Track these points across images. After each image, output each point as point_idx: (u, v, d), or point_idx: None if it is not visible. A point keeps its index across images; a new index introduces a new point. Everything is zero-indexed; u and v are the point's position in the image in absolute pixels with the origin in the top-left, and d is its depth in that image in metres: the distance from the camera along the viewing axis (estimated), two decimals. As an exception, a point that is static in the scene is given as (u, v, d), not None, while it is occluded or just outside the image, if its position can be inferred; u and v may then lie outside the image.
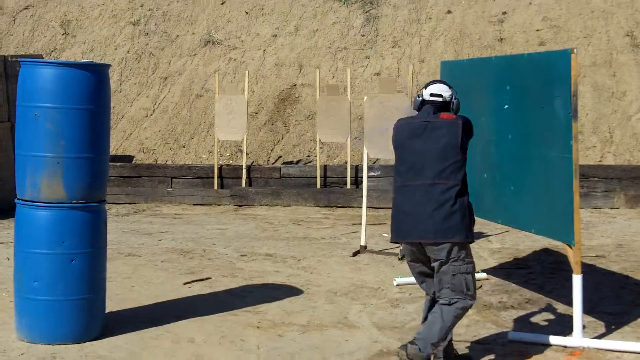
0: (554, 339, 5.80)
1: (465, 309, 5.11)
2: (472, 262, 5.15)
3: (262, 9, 16.18)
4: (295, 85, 14.65)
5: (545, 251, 8.98)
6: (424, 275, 5.26)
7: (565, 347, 5.73)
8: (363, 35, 15.20)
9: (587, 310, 6.58)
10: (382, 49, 14.93)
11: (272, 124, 14.09)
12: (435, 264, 5.07)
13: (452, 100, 5.31)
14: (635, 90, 13.21)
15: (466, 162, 5.14)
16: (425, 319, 5.27)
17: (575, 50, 5.52)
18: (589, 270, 8.02)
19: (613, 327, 6.25)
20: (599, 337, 5.97)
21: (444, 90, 5.32)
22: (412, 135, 5.21)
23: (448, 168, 5.03)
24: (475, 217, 5.24)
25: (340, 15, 15.67)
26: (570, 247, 5.77)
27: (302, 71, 14.80)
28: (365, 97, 9.61)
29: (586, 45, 14.00)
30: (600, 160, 12.46)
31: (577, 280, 5.72)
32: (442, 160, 5.06)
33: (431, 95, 5.31)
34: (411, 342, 5.08)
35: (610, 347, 5.66)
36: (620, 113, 13.04)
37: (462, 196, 5.05)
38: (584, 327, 5.86)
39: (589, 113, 13.08)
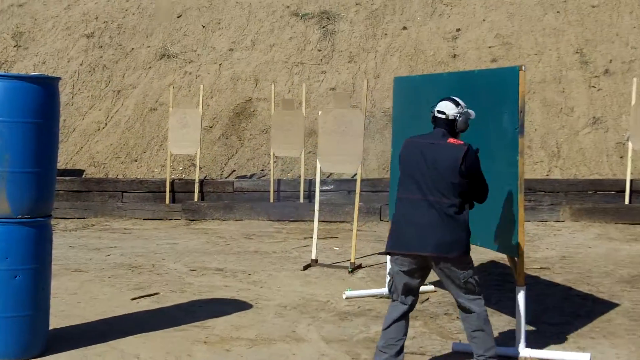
0: (497, 350, 5.89)
1: (484, 307, 5.40)
2: (473, 266, 5.43)
3: (219, 23, 16.23)
4: (250, 100, 14.72)
5: (492, 263, 9.12)
6: (409, 287, 5.37)
7: (509, 357, 5.83)
8: (319, 50, 15.31)
9: (531, 321, 6.72)
10: (338, 64, 15.05)
11: (227, 138, 14.12)
12: (441, 275, 5.31)
13: (457, 119, 5.42)
14: (582, 106, 13.47)
15: (467, 186, 5.28)
16: (388, 326, 5.41)
17: (523, 68, 5.64)
18: (533, 282, 8.18)
19: (555, 337, 6.37)
20: (542, 347, 6.08)
21: (448, 108, 5.44)
22: (417, 153, 5.38)
23: (449, 188, 5.20)
24: None
25: (297, 30, 15.78)
26: (515, 259, 5.88)
27: (258, 85, 14.87)
28: (320, 112, 9.69)
29: (537, 62, 14.24)
30: (547, 175, 12.68)
31: (520, 292, 5.83)
32: (443, 180, 5.23)
33: (438, 112, 5.47)
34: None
35: (552, 357, 5.79)
36: (568, 128, 13.28)
37: (461, 213, 5.23)
38: (527, 337, 5.97)
39: (538, 128, 13.31)
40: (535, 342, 6.23)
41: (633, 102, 11.77)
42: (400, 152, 5.55)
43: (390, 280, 5.50)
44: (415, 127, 7.11)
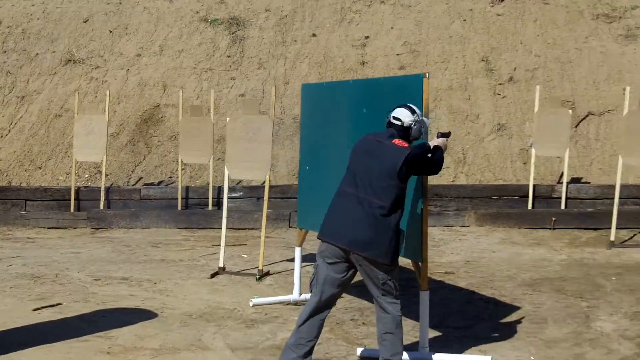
0: (405, 354, 5.95)
1: (400, 311, 5.47)
2: (397, 271, 5.50)
3: (127, 28, 16.01)
4: (158, 106, 14.55)
5: (399, 269, 9.19)
6: (329, 280, 5.38)
7: (409, 362, 5.90)
8: (229, 57, 15.24)
9: (435, 325, 6.82)
10: (248, 70, 15.01)
11: (134, 145, 13.92)
12: (362, 272, 5.35)
13: (412, 126, 5.46)
14: (487, 113, 13.74)
15: (404, 190, 5.39)
16: (302, 323, 5.46)
17: (427, 75, 5.73)
18: (437, 287, 8.30)
19: (458, 341, 6.47)
20: (445, 351, 6.16)
21: (404, 115, 5.51)
22: (365, 149, 5.48)
23: (382, 189, 5.27)
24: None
25: (206, 36, 15.67)
26: (418, 264, 5.95)
27: (167, 91, 14.71)
28: (228, 118, 9.64)
29: (443, 69, 14.47)
30: (453, 180, 12.88)
31: (424, 296, 5.91)
32: (379, 180, 5.31)
33: (393, 118, 5.53)
34: None
35: (453, 361, 5.88)
36: (474, 135, 13.53)
37: (388, 218, 5.24)
38: (431, 341, 6.05)
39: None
40: (439, 345, 6.32)
41: (536, 109, 12.07)
42: (353, 146, 5.63)
43: (313, 273, 5.53)
44: (323, 133, 7.16)
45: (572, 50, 14.35)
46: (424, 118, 5.61)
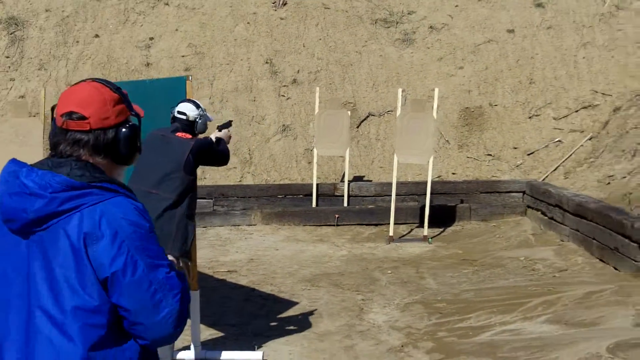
0: (178, 354, 5.96)
1: None
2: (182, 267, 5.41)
3: None
4: None
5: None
6: None
7: (184, 361, 5.91)
8: (7, 57, 14.61)
9: (212, 323, 6.89)
10: (28, 71, 14.44)
11: None
12: None
13: (197, 121, 5.42)
14: (273, 115, 13.96)
15: (193, 182, 5.37)
16: None
17: (190, 78, 5.80)
18: (218, 285, 8.37)
19: (234, 338, 6.55)
20: (220, 349, 6.21)
21: (189, 110, 5.53)
22: (149, 144, 5.32)
23: (167, 182, 5.22)
24: None
25: (-20, 35, 14.94)
26: (188, 264, 5.96)
27: (-63, 93, 13.91)
28: None
29: (229, 71, 14.55)
30: (240, 180, 12.99)
31: (194, 296, 5.92)
32: (162, 173, 5.29)
33: (178, 112, 5.52)
34: None
35: (226, 358, 5.93)
36: (260, 136, 13.70)
37: (174, 210, 5.16)
38: (207, 340, 6.09)
39: (231, 136, 13.58)
40: (214, 344, 6.37)
41: (316, 110, 12.40)
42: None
43: None
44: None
45: (352, 54, 14.84)
46: (208, 114, 5.69)
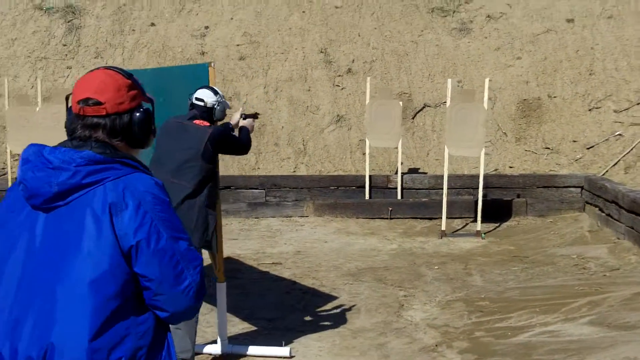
0: (205, 348, 5.90)
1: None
2: (202, 259, 5.25)
3: (-44, 15, 15.28)
4: (-11, 96, 13.97)
5: (226, 260, 9.12)
6: None
7: (211, 354, 5.83)
8: (65, 45, 14.78)
9: (247, 316, 6.81)
10: (84, 59, 14.59)
11: (-31, 137, 13.32)
12: None
13: (215, 107, 5.39)
14: (327, 105, 13.84)
15: (212, 171, 5.30)
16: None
17: (212, 64, 5.69)
18: (260, 278, 8.29)
19: (266, 332, 6.46)
20: (252, 343, 6.12)
21: (207, 96, 5.46)
22: (167, 132, 5.36)
23: (185, 170, 5.18)
24: None
25: (41, 24, 15.13)
26: (215, 255, 5.88)
27: (4, 80, 14.12)
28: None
29: (283, 60, 14.47)
30: (294, 171, 12.91)
31: (221, 288, 5.83)
32: (181, 161, 5.22)
33: (196, 99, 5.46)
34: None
35: (252, 353, 5.84)
36: (314, 126, 13.60)
37: (193, 199, 5.12)
38: (239, 334, 6.01)
39: (285, 126, 13.53)
40: (244, 338, 6.28)
41: (367, 101, 12.22)
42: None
43: None
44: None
45: (408, 43, 14.61)
46: (225, 100, 5.61)
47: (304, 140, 13.49)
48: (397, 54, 14.47)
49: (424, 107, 13.90)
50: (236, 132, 5.75)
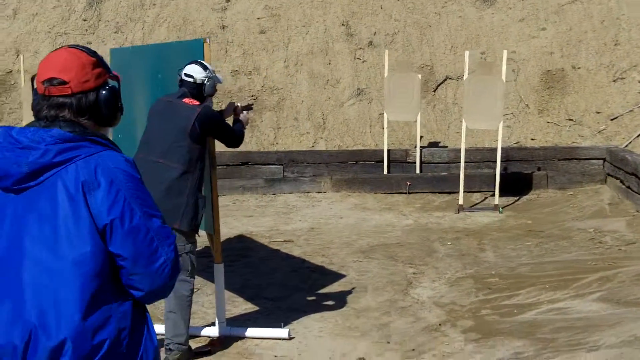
0: (202, 331, 5.87)
1: (191, 291, 5.30)
2: (194, 242, 5.28)
3: (-22, -7, 15.32)
4: (11, 72, 14.02)
5: (239, 238, 9.11)
6: None
7: (209, 337, 5.80)
8: (85, 20, 14.76)
9: (251, 296, 6.77)
10: (105, 34, 14.57)
11: (-8, 116, 13.40)
12: None
13: (205, 83, 5.30)
14: (347, 78, 13.70)
15: (201, 152, 5.21)
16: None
17: (207, 40, 5.60)
18: (270, 256, 8.24)
19: (269, 313, 6.41)
20: (253, 323, 6.08)
21: (196, 72, 5.36)
22: (156, 111, 5.34)
23: (173, 150, 5.08)
24: None
25: (61, -1, 15.13)
26: (211, 236, 5.81)
27: (20, 57, 14.15)
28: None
29: (304, 33, 14.34)
30: (312, 146, 12.81)
31: (218, 269, 5.77)
32: (169, 142, 5.12)
33: (185, 75, 5.36)
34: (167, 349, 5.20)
35: (251, 335, 5.79)
36: (334, 100, 13.47)
37: (183, 181, 5.04)
38: (242, 314, 5.96)
39: (305, 100, 13.43)
40: (248, 319, 6.25)
41: (386, 74, 12.06)
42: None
43: None
44: (130, 100, 6.93)
45: (431, 15, 14.39)
46: (217, 75, 5.49)
47: (323, 115, 13.38)
48: (420, 25, 14.26)
49: (445, 80, 13.71)
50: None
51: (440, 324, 6.07)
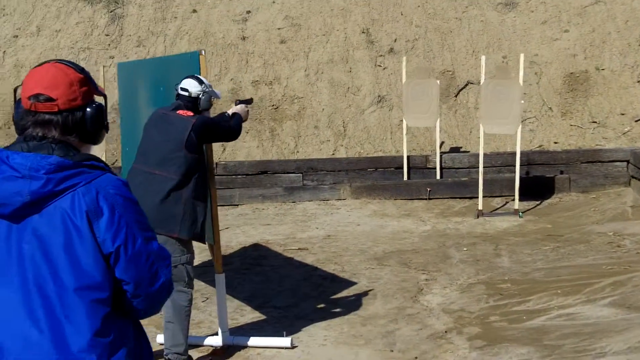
0: (206, 340, 5.85)
1: (190, 302, 5.28)
2: (191, 253, 5.28)
3: (4, 9, 15.53)
4: (35, 88, 14.19)
5: (254, 246, 9.10)
6: None
7: (212, 346, 5.79)
8: (107, 35, 14.90)
9: (259, 305, 6.74)
10: (127, 48, 14.69)
11: (9, 128, 13.54)
12: None
13: (200, 97, 5.35)
14: (368, 86, 13.66)
15: (198, 161, 5.24)
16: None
17: (202, 52, 5.61)
18: (282, 264, 8.21)
19: (275, 321, 6.38)
20: (259, 332, 6.06)
21: (191, 86, 5.41)
22: (152, 123, 5.37)
23: (169, 161, 5.12)
24: None
25: (84, 15, 15.28)
26: (212, 246, 5.81)
27: (44, 73, 14.34)
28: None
29: (325, 42, 14.33)
30: (333, 154, 12.78)
31: (219, 279, 5.75)
32: (165, 152, 5.16)
33: (181, 89, 5.43)
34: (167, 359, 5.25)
35: (254, 344, 5.77)
36: (354, 107, 13.44)
37: (179, 190, 5.08)
38: (249, 323, 5.94)
39: (325, 108, 13.41)
40: (253, 328, 6.22)
41: (404, 80, 12.00)
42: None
43: None
44: (136, 114, 7.00)
45: (452, 20, 14.31)
46: (214, 90, 5.52)
47: (344, 122, 13.36)
48: (441, 31, 14.19)
49: (466, 85, 13.61)
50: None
51: (446, 331, 6.00)
